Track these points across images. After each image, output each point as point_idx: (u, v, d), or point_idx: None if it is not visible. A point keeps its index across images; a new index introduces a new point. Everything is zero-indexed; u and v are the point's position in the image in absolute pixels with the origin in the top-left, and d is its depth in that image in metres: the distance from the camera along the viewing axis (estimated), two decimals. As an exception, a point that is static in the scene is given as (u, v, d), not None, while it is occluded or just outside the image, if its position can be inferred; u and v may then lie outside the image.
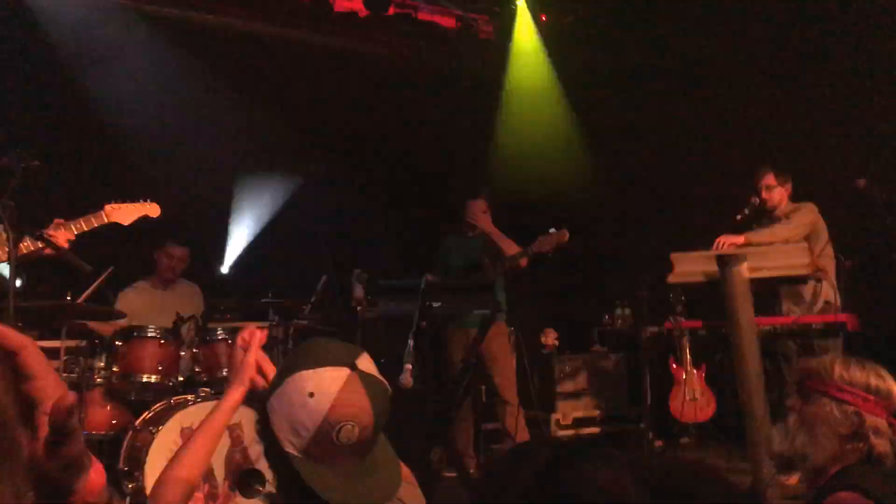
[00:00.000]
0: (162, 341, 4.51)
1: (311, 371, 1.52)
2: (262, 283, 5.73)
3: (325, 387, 1.50)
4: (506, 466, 1.17)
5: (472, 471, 5.25)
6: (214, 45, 6.53)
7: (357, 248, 7.18)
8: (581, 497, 1.08)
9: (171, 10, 6.25)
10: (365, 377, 1.54)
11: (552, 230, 5.13)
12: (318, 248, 6.72)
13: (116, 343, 4.54)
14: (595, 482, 1.09)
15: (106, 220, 4.08)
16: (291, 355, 1.62)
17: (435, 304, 3.76)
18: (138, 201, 4.25)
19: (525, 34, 7.32)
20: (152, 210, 4.28)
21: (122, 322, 4.84)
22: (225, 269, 7.00)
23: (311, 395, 1.50)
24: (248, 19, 6.67)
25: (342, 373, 1.52)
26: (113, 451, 4.29)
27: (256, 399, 1.63)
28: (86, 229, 3.99)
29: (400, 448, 1.67)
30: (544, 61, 7.33)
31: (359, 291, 6.58)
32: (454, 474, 5.22)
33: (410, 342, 3.40)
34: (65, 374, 4.41)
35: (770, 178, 5.13)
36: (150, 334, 4.52)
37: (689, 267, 4.53)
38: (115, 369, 4.49)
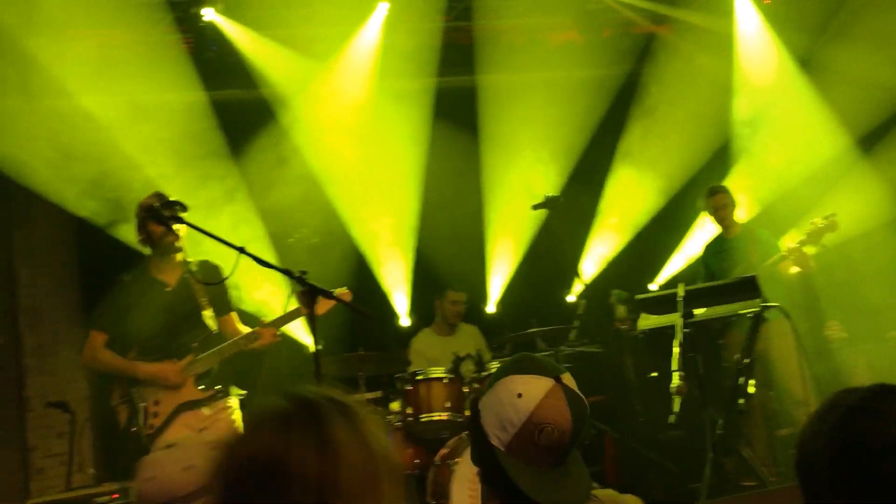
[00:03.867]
0: (445, 381, 4.91)
1: (520, 376, 1.72)
2: (526, 315, 5.98)
3: (533, 390, 1.69)
4: (817, 414, 1.28)
5: (772, 479, 5.01)
6: (447, 102, 7.02)
7: (610, 269, 7.24)
8: (877, 441, 1.17)
9: (410, 81, 6.83)
10: (567, 390, 1.71)
11: None
12: (572, 273, 6.85)
13: (406, 388, 4.99)
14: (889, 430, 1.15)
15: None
16: (502, 366, 1.80)
17: (697, 311, 3.74)
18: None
19: (749, 22, 7.00)
20: (346, 296, 4.04)
21: None
22: (491, 308, 7.34)
23: (520, 395, 1.68)
24: (470, 73, 7.09)
25: (548, 382, 1.70)
26: (419, 486, 4.71)
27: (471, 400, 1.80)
28: (287, 322, 4.14)
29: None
30: (776, 46, 6.95)
31: (620, 311, 6.63)
32: (753, 482, 5.01)
33: (676, 350, 3.42)
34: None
35: None
36: (433, 376, 4.94)
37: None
38: (408, 411, 4.93)
